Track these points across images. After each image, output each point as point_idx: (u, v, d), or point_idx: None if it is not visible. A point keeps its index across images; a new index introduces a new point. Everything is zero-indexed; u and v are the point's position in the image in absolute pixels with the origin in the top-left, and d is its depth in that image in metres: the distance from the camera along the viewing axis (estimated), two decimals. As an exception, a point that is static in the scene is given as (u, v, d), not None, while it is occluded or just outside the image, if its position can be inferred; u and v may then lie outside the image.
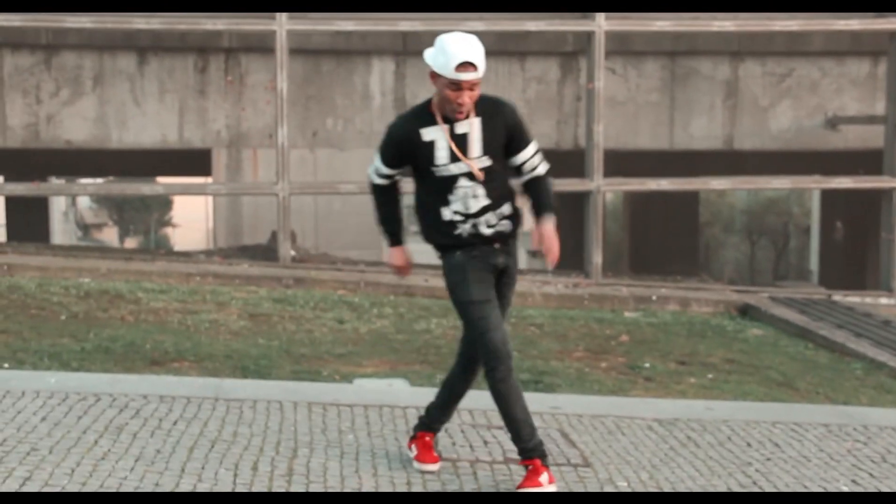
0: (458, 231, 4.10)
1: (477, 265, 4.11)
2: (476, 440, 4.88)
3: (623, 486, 4.39)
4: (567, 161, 13.20)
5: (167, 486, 4.01)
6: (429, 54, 3.98)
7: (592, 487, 4.37)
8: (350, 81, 13.04)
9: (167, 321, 7.67)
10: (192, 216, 42.03)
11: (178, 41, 12.56)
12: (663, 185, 12.46)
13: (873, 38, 12.53)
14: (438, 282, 10.14)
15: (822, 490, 4.53)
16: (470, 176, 4.04)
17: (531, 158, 4.13)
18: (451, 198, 4.07)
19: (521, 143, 4.10)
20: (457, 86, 3.92)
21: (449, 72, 3.89)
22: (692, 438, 5.16)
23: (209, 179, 15.57)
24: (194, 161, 15.74)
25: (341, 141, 13.07)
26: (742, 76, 13.27)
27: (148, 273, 9.75)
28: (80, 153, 14.36)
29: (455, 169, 4.03)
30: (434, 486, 4.25)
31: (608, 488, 4.37)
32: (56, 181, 21.71)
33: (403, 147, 4.11)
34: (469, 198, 4.06)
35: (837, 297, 11.07)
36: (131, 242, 44.79)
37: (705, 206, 30.52)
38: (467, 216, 4.07)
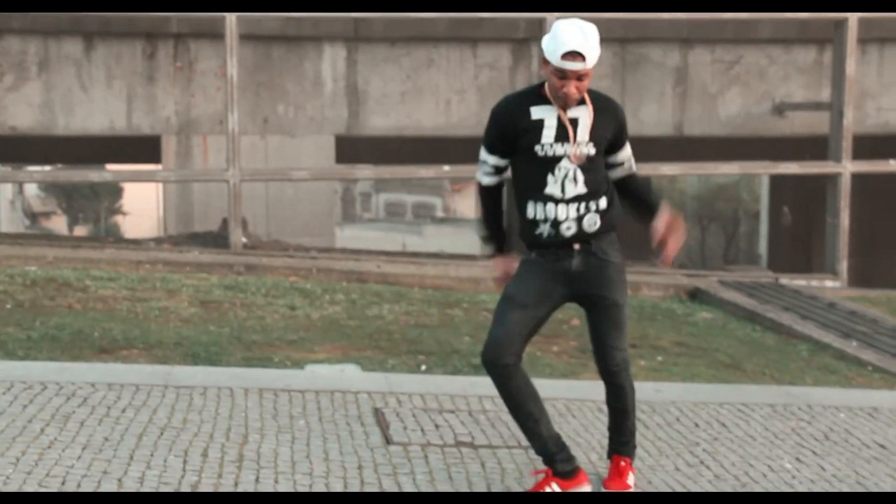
0: (539, 230, 3.95)
1: (541, 268, 3.97)
2: (427, 424, 4.89)
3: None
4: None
5: (115, 474, 3.98)
6: (544, 39, 3.86)
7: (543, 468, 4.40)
8: (301, 68, 12.97)
9: (116, 309, 7.59)
10: (142, 204, 41.58)
11: (125, 26, 12.39)
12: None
13: (819, 26, 12.70)
14: (390, 268, 10.19)
15: (768, 468, 4.61)
16: (573, 159, 3.90)
17: (630, 157, 4.10)
18: (549, 179, 3.89)
19: (625, 141, 4.06)
20: (562, 74, 3.78)
21: (556, 59, 3.76)
22: (641, 420, 5.21)
23: (159, 166, 15.41)
24: (144, 148, 15.55)
25: (292, 127, 13.00)
26: (692, 63, 13.39)
27: (96, 261, 9.63)
28: (25, 140, 14.13)
29: (560, 150, 3.88)
30: (386, 470, 4.26)
31: (558, 470, 4.40)
32: (1, 168, 21.35)
33: (508, 126, 3.93)
34: (569, 181, 3.90)
35: (785, 280, 11.23)
36: (81, 230, 44.21)
37: (656, 191, 30.71)
38: (556, 208, 3.89)
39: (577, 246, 3.94)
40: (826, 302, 9.55)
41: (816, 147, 12.88)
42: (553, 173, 3.90)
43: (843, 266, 11.51)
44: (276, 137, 13.00)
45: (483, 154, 4.06)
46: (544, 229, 3.93)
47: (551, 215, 3.91)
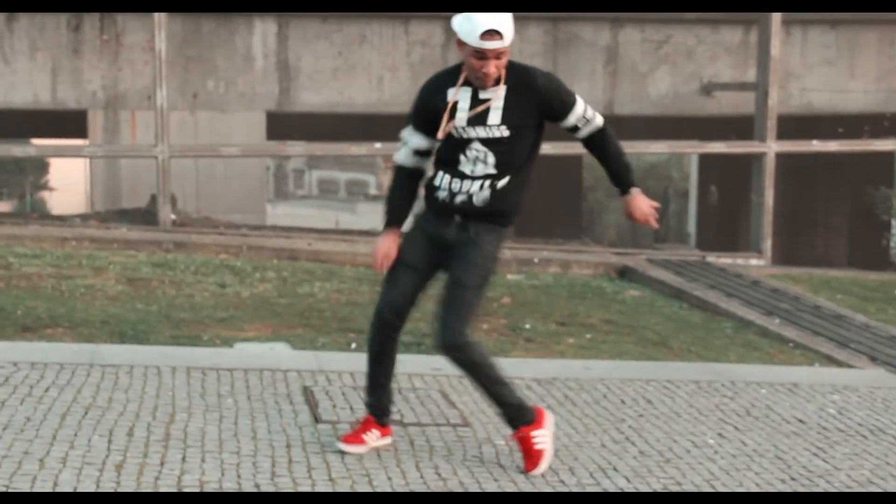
0: (436, 195, 4.02)
1: (425, 233, 4.07)
2: (357, 402, 4.89)
3: (501, 445, 4.47)
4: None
5: (38, 454, 3.92)
6: (456, 21, 3.85)
7: (471, 446, 4.43)
8: (232, 43, 12.79)
9: (40, 286, 7.45)
10: (69, 180, 40.76)
11: (49, -2, 12.08)
12: (546, 149, 12.55)
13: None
14: (322, 245, 10.13)
15: (691, 443, 4.70)
16: (484, 141, 3.93)
17: (584, 114, 4.00)
18: (462, 158, 3.95)
19: (565, 106, 3.97)
20: (481, 55, 3.79)
21: (474, 40, 3.77)
22: (569, 397, 5.28)
23: (86, 141, 15.11)
24: (70, 122, 15.24)
25: (223, 103, 12.83)
26: (622, 42, 13.49)
27: (20, 237, 9.42)
28: (-55, 113, 13.74)
29: (472, 133, 3.93)
30: (314, 449, 4.25)
31: (486, 447, 4.44)
32: (-79, 143, 20.75)
33: (428, 105, 4.00)
34: (479, 161, 3.94)
35: (711, 258, 11.41)
36: (5, 206, 43.16)
37: (588, 170, 30.97)
38: (461, 183, 3.96)
39: (457, 218, 4.00)
40: (750, 280, 9.73)
41: (742, 127, 13.09)
42: (465, 154, 3.96)
43: (768, 244, 11.74)
44: (206, 113, 12.82)
45: (406, 132, 4.09)
46: (440, 195, 4.02)
47: (455, 188, 3.98)
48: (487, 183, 3.96)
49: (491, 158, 3.94)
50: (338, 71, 12.98)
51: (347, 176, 51.89)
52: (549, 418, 4.23)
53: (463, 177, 3.98)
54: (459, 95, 3.94)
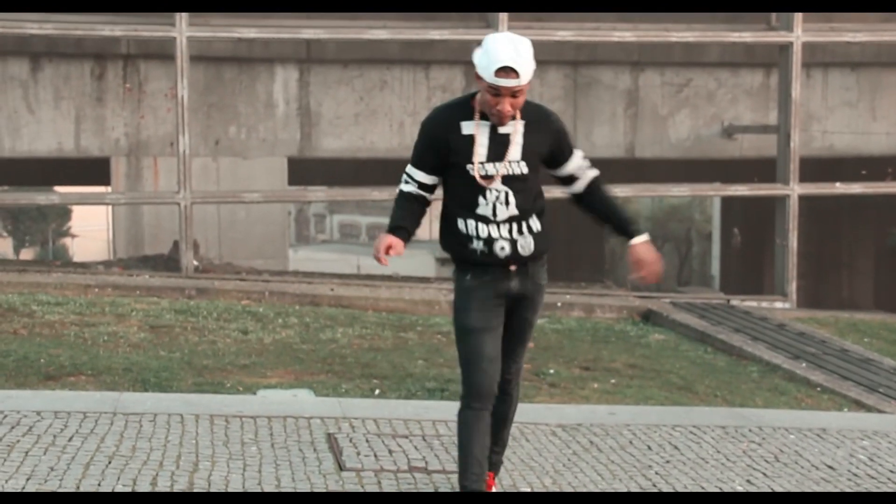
0: (472, 246, 3.84)
1: (484, 291, 3.86)
2: (381, 449, 4.87)
3: (525, 490, 4.44)
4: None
5: (62, 504, 3.92)
6: (476, 53, 3.71)
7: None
8: (253, 89, 12.92)
9: (63, 334, 7.48)
10: (91, 226, 41.08)
11: (73, 47, 12.27)
12: (566, 192, 12.64)
13: (766, 50, 12.92)
14: (344, 291, 10.15)
15: (719, 490, 4.65)
16: (504, 179, 3.78)
17: (582, 163, 3.96)
18: (479, 200, 3.78)
19: (568, 151, 3.92)
20: (496, 91, 3.66)
21: (489, 75, 3.64)
22: (594, 443, 5.24)
23: (108, 188, 15.25)
24: (93, 170, 15.39)
25: (244, 149, 12.94)
26: (642, 85, 13.54)
27: (43, 285, 9.49)
28: (-29, 162, 13.92)
29: (492, 169, 3.77)
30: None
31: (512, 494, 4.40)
32: (-53, 191, 21.01)
33: (439, 140, 3.82)
34: (499, 203, 3.80)
35: (735, 301, 11.36)
36: (28, 253, 43.54)
37: (624, 209, 31.00)
38: (488, 228, 3.80)
39: (513, 267, 3.87)
40: (776, 323, 9.67)
41: (765, 169, 13.08)
42: (484, 195, 3.80)
43: (793, 287, 11.68)
44: (228, 159, 12.92)
45: (409, 169, 3.91)
46: (477, 246, 3.83)
47: (484, 234, 3.82)
48: (516, 228, 3.82)
49: (511, 199, 3.80)
50: (359, 116, 13.08)
51: (369, 220, 52.02)
52: None
53: (487, 221, 3.81)
54: (478, 130, 3.79)
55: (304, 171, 15.15)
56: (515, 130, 3.80)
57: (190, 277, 10.53)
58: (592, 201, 4.02)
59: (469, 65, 12.96)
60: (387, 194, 12.63)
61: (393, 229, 3.88)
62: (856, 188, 12.55)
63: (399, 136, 13.13)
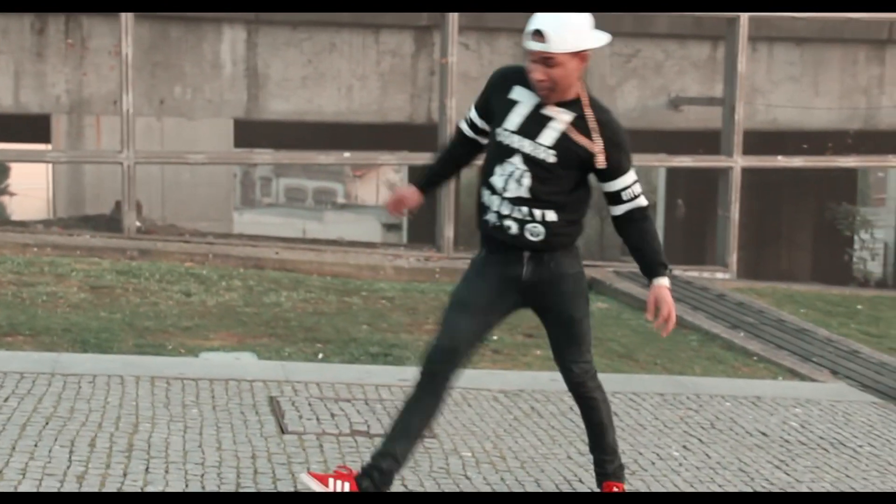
0: (485, 217, 3.69)
1: (491, 269, 3.70)
2: (323, 413, 4.88)
3: (467, 456, 4.48)
4: (420, 135, 13.26)
5: (-2, 465, 3.88)
6: None
7: (437, 458, 4.44)
8: (199, 49, 12.73)
9: (1, 294, 7.37)
10: (31, 184, 40.32)
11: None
12: (514, 160, 12.70)
13: (713, 23, 13.00)
14: (289, 254, 10.10)
15: (656, 455, 4.73)
16: (525, 158, 3.59)
17: (631, 186, 3.67)
18: (497, 169, 3.62)
19: (620, 166, 3.64)
20: (529, 55, 3.53)
21: (525, 37, 3.53)
22: (535, 409, 5.30)
23: (49, 146, 14.96)
24: (32, 127, 15.08)
25: (190, 110, 12.76)
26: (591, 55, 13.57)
27: (-19, 243, 9.32)
28: None
29: (517, 142, 3.60)
30: (280, 460, 4.24)
31: (453, 459, 4.45)
32: None
33: (491, 94, 3.72)
34: (513, 179, 3.61)
35: (678, 271, 11.48)
36: (-35, 212, 42.63)
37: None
38: (498, 201, 3.63)
39: (526, 254, 3.67)
40: (716, 293, 9.81)
41: (710, 141, 13.20)
42: (501, 164, 3.64)
43: (734, 258, 11.83)
44: (173, 119, 12.74)
45: (470, 107, 3.85)
46: (490, 217, 3.69)
47: (494, 206, 3.66)
48: (528, 211, 3.62)
49: (526, 181, 3.60)
50: (307, 79, 12.96)
51: (315, 184, 51.73)
52: None
53: (496, 193, 3.65)
54: (524, 97, 3.63)
55: (250, 133, 14.99)
56: (561, 119, 3.60)
57: (132, 238, 10.40)
58: (629, 230, 3.78)
59: (418, 29, 12.94)
60: (333, 158, 12.59)
61: (420, 178, 3.92)
62: (797, 162, 12.73)
63: (347, 99, 13.04)
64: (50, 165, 17.28)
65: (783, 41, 13.86)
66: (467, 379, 5.70)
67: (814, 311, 9.43)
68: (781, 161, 12.63)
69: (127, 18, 10.78)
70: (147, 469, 4.00)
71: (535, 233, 3.65)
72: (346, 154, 12.49)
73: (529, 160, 3.60)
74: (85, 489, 3.74)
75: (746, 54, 12.06)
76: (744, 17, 11.89)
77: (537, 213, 3.63)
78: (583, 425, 4.51)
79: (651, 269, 3.79)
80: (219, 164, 12.62)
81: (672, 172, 23.39)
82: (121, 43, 10.89)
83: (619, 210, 3.75)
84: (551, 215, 3.64)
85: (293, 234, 20.31)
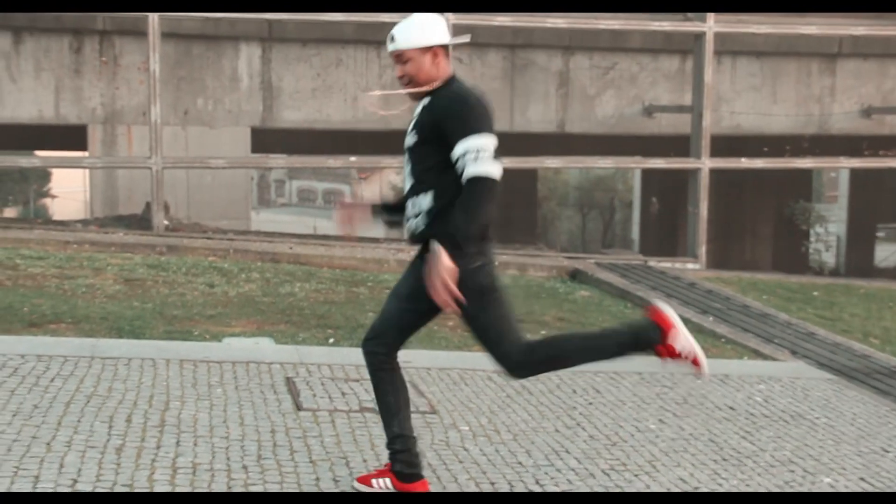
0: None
1: (414, 262, 3.52)
2: (335, 391, 4.89)
3: (465, 430, 4.49)
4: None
5: (45, 439, 3.88)
6: None
7: (438, 431, 4.45)
8: (219, 64, 12.71)
9: (45, 286, 7.36)
10: (70, 187, 40.26)
11: (53, 22, 11.97)
12: (505, 163, 12.60)
13: (682, 38, 13.01)
14: (301, 249, 10.09)
15: (635, 428, 4.74)
16: (406, 151, 3.46)
17: (463, 157, 3.22)
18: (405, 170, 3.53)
19: (454, 136, 3.25)
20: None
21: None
22: (525, 387, 5.31)
23: (86, 153, 14.93)
24: (71, 136, 15.06)
25: (211, 119, 12.75)
26: (572, 68, 13.57)
27: (26, 241, 9.31)
28: (-44, 127, 13.54)
29: (407, 141, 3.46)
30: (296, 434, 4.24)
31: (451, 432, 4.45)
32: (-67, 153, 20.41)
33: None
34: (406, 175, 3.49)
35: (653, 262, 11.50)
36: (11, 212, 42.53)
37: (543, 182, 31.18)
38: (407, 197, 3.47)
39: (419, 245, 3.45)
40: (687, 282, 9.82)
41: (680, 145, 13.22)
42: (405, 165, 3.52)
43: (703, 250, 11.85)
44: (197, 128, 12.73)
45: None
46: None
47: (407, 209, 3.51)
48: (414, 204, 3.42)
49: (406, 168, 3.47)
50: (316, 91, 12.95)
51: (324, 186, 51.71)
52: (669, 317, 3.51)
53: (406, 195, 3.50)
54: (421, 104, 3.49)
55: (265, 140, 14.98)
56: (421, 105, 3.44)
57: (161, 235, 10.39)
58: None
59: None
60: (341, 162, 12.56)
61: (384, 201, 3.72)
62: (758, 163, 12.74)
63: (353, 109, 13.03)
64: (87, 170, 17.24)
65: (745, 55, 13.88)
66: (464, 360, 5.74)
67: (775, 298, 9.44)
68: (745, 163, 12.64)
69: (154, 37, 10.77)
70: (178, 442, 4.01)
71: (415, 226, 3.42)
72: (353, 158, 12.48)
73: (406, 150, 3.48)
74: (123, 460, 3.75)
75: (712, 66, 12.08)
76: (710, 33, 11.91)
77: (418, 200, 3.40)
78: (569, 402, 4.49)
79: (444, 228, 3.26)
80: (237, 168, 12.61)
81: (646, 173, 23.40)
82: (149, 60, 10.87)
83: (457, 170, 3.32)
84: (427, 200, 3.36)
85: (305, 231, 20.29)
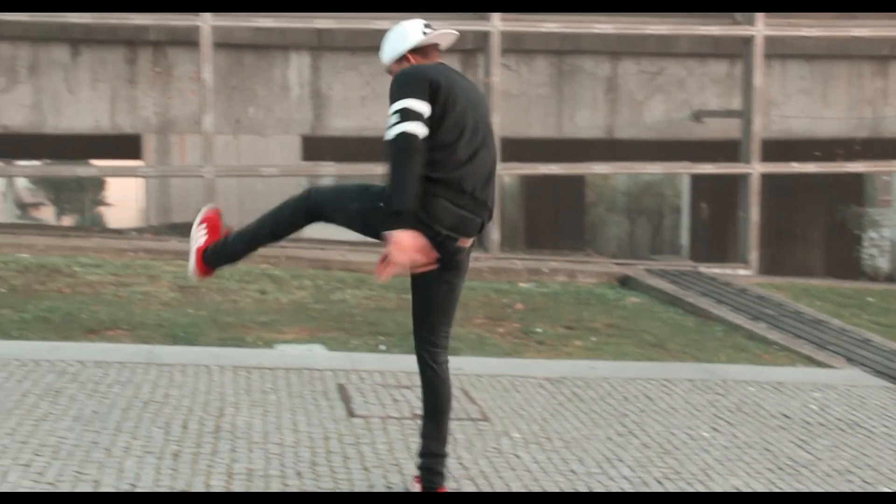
0: None
1: None
2: (386, 398, 4.90)
3: (517, 438, 4.47)
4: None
5: (104, 444, 3.94)
6: None
7: (490, 439, 4.43)
8: (270, 73, 12.83)
9: (102, 293, 7.48)
10: (124, 196, 40.93)
11: (108, 34, 12.18)
12: (553, 169, 12.67)
13: (731, 42, 12.85)
14: (352, 256, 10.14)
15: (688, 436, 4.68)
16: None
17: (391, 116, 3.31)
18: None
19: (390, 101, 3.36)
20: None
21: None
22: (577, 394, 5.27)
23: (140, 162, 15.17)
24: (126, 145, 15.33)
25: (262, 128, 12.87)
26: (620, 73, 13.47)
27: (84, 249, 9.47)
28: (17, 137, 13.83)
29: None
30: (349, 440, 4.26)
31: (503, 439, 4.43)
32: (-6, 163, 20.86)
33: None
34: None
35: (703, 268, 11.36)
36: (67, 220, 43.37)
37: (591, 188, 31.01)
38: None
39: None
40: (738, 288, 9.69)
41: (729, 149, 13.05)
42: None
43: (754, 255, 11.68)
44: (248, 137, 12.88)
45: None
46: None
47: None
48: None
49: None
50: (365, 99, 13.01)
51: (372, 193, 51.80)
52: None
53: None
54: None
55: (315, 148, 15.10)
56: None
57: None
58: None
59: (464, 52, 12.93)
60: (390, 170, 12.59)
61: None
62: (810, 168, 12.54)
63: (402, 117, 13.08)
64: (142, 179, 17.52)
65: (795, 58, 13.66)
66: (515, 367, 5.71)
67: (828, 304, 9.27)
68: (796, 167, 12.45)
69: (206, 47, 10.92)
70: (233, 448, 4.04)
71: None
72: (402, 166, 12.51)
73: None
74: (180, 465, 3.79)
75: (762, 70, 11.92)
76: (759, 37, 11.76)
77: None
78: (621, 409, 4.45)
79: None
80: (288, 176, 12.72)
81: (696, 179, 23.12)
82: (201, 70, 11.02)
83: None
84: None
85: (356, 239, 20.39)
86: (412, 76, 3.38)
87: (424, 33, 3.57)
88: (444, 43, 3.67)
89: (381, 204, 3.33)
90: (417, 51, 3.55)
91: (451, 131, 3.35)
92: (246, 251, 3.80)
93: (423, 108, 3.29)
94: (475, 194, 3.40)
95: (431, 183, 3.31)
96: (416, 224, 3.32)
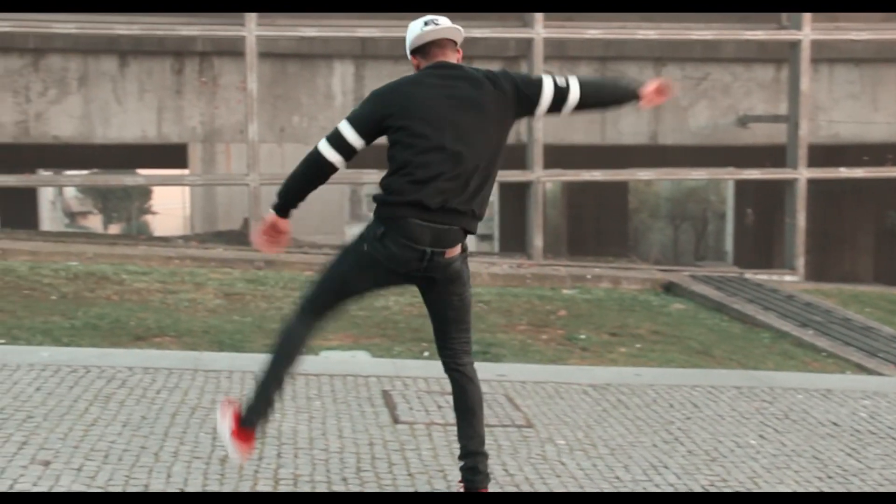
0: None
1: None
2: (431, 405, 4.90)
3: (562, 444, 4.45)
4: (510, 154, 13.25)
5: (153, 449, 3.99)
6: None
7: (534, 446, 4.42)
8: (314, 82, 12.95)
9: (149, 300, 7.59)
10: (170, 204, 41.49)
11: (156, 46, 12.38)
12: (596, 175, 12.62)
13: (777, 47, 12.72)
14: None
15: (735, 444, 4.63)
16: None
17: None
18: None
19: None
20: None
21: None
22: (622, 401, 5.23)
23: (186, 171, 15.38)
24: (172, 154, 15.54)
25: (306, 136, 12.99)
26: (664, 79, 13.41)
27: (131, 256, 9.62)
28: (66, 147, 14.12)
29: None
30: (394, 447, 4.27)
31: (548, 446, 4.42)
32: (44, 173, 21.29)
33: None
34: None
35: (749, 275, 11.25)
36: (114, 228, 44.06)
37: (634, 194, 30.83)
38: None
39: None
40: (785, 294, 9.57)
41: (775, 155, 12.90)
42: None
43: (801, 262, 11.54)
44: (292, 145, 13.01)
45: None
46: None
47: None
48: None
49: None
50: (408, 107, 13.08)
51: (414, 200, 51.93)
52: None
53: None
54: None
55: (358, 155, 15.17)
56: None
57: (259, 251, 10.61)
58: None
59: (506, 60, 12.95)
60: (433, 177, 12.64)
61: None
62: (858, 173, 12.36)
63: (444, 124, 13.11)
64: (188, 188, 17.74)
65: (843, 62, 13.47)
66: (559, 374, 5.69)
67: (878, 310, 9.12)
68: (844, 172, 12.28)
69: (251, 57, 11.05)
70: (279, 454, 4.07)
71: None
72: (445, 173, 12.55)
73: None
74: (227, 471, 3.83)
75: (809, 75, 11.77)
76: (806, 41, 11.62)
77: None
78: (667, 417, 4.43)
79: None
80: (332, 184, 12.80)
81: (740, 184, 22.90)
82: (246, 79, 11.16)
83: None
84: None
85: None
86: (368, 101, 3.44)
87: (424, 30, 3.53)
88: (438, 38, 3.53)
89: (361, 236, 3.47)
90: (417, 52, 3.53)
91: (408, 149, 3.34)
92: (274, 389, 3.69)
93: (353, 138, 3.40)
94: (446, 206, 3.32)
95: (397, 206, 3.34)
96: (399, 247, 3.40)
